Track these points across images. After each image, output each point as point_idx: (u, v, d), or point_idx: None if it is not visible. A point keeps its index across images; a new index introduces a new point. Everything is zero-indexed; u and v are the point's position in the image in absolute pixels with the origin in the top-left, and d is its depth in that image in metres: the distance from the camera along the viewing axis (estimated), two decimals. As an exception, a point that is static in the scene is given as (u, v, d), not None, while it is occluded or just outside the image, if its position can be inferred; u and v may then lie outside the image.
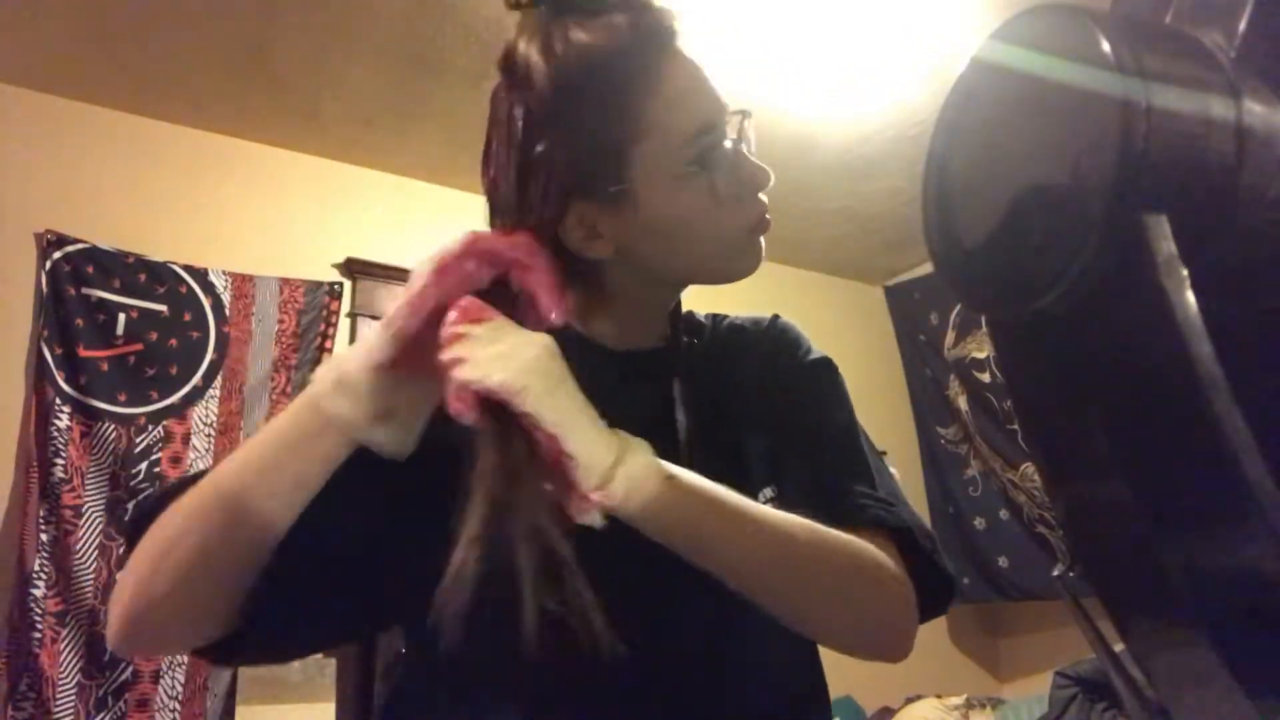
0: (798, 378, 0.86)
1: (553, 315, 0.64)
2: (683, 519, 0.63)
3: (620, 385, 0.78)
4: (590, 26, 0.70)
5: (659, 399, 0.80)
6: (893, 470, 0.86)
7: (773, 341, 0.89)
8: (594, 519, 0.60)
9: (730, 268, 0.77)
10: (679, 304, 0.86)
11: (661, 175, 0.71)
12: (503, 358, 0.59)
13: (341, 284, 2.89)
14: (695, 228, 0.73)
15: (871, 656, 0.75)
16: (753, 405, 0.83)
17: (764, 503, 0.76)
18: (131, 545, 0.66)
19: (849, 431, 0.85)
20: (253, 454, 0.64)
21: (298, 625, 0.70)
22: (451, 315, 0.61)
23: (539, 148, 0.70)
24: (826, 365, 0.88)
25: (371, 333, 0.63)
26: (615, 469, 0.60)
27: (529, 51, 0.71)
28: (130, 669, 2.34)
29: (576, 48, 0.69)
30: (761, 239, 0.77)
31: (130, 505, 2.43)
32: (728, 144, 0.73)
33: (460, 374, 0.59)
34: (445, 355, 0.60)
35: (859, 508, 0.75)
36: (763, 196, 0.76)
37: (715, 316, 0.91)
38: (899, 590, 0.73)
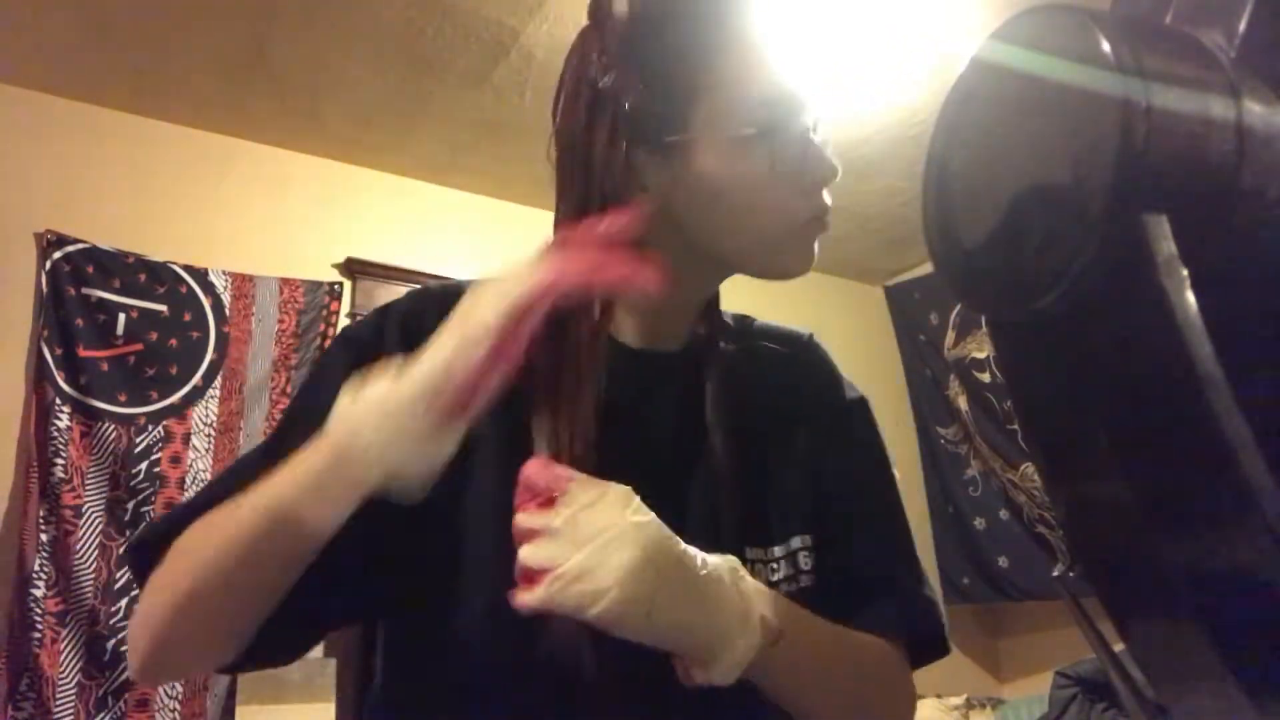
0: (839, 420, 0.82)
1: (652, 288, 0.55)
2: (774, 679, 0.62)
3: (644, 390, 0.75)
4: None
5: (684, 406, 0.75)
6: (893, 471, 0.84)
7: (811, 369, 0.84)
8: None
9: (775, 260, 0.71)
10: (716, 301, 0.81)
11: (721, 134, 0.67)
12: (591, 573, 0.52)
13: (341, 284, 2.89)
14: (745, 200, 0.68)
15: None
16: (784, 431, 0.79)
17: (794, 550, 0.75)
18: (141, 576, 0.64)
19: (888, 488, 0.83)
20: (298, 474, 0.58)
21: (304, 629, 0.68)
22: (521, 496, 0.55)
23: (607, 80, 0.67)
24: (865, 407, 0.85)
25: (413, 385, 0.54)
26: (728, 659, 0.58)
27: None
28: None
29: None
30: (815, 242, 0.72)
31: (129, 528, 2.43)
32: (801, 128, 0.69)
33: (547, 596, 0.52)
34: (523, 554, 0.54)
35: (893, 614, 0.75)
36: (826, 196, 0.71)
37: (741, 319, 0.86)
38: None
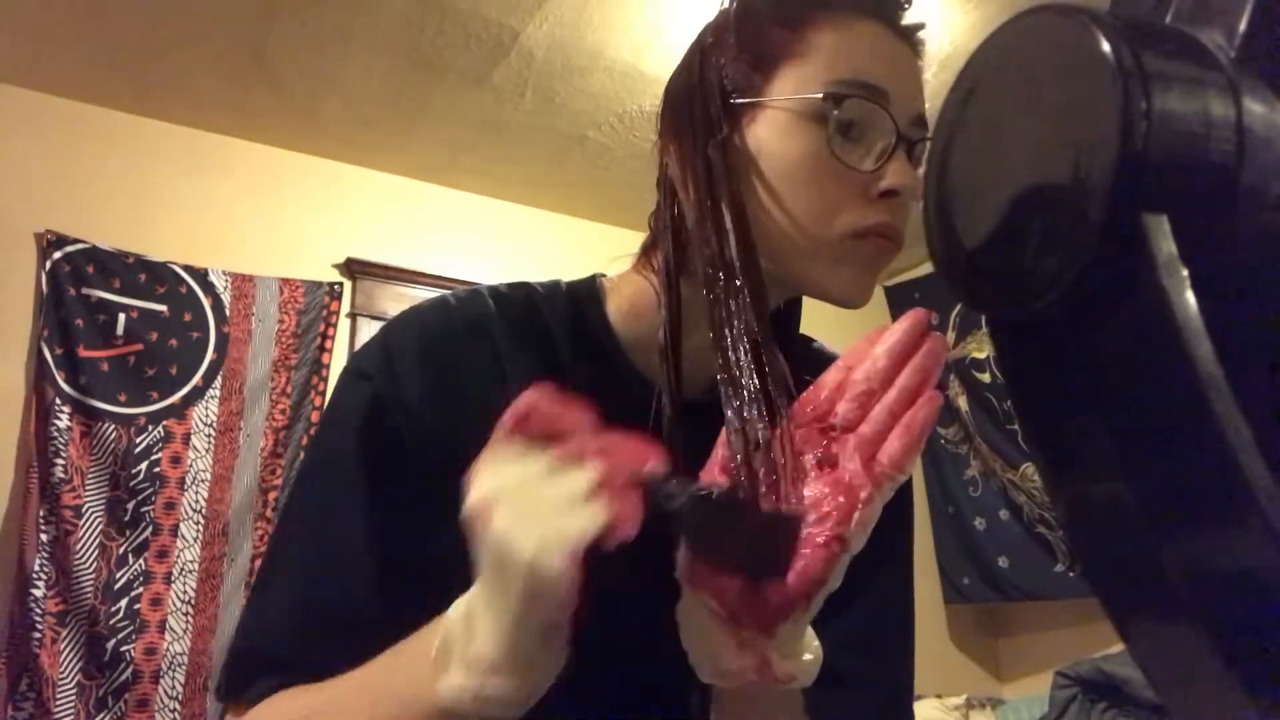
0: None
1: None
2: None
3: (685, 443, 0.63)
4: None
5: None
6: (911, 558, 0.77)
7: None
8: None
9: (818, 274, 0.62)
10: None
11: (794, 103, 0.61)
12: None
13: (341, 284, 2.89)
14: (791, 179, 0.61)
15: None
16: None
17: None
18: (228, 698, 0.62)
19: (903, 577, 0.74)
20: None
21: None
22: None
23: (712, 40, 0.65)
24: (909, 483, 0.77)
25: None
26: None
27: None
28: (130, 669, 2.34)
29: None
30: (874, 267, 0.63)
31: (129, 528, 2.43)
32: (885, 125, 0.61)
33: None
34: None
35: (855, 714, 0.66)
36: (897, 215, 0.62)
37: (804, 342, 0.77)
38: None
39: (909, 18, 0.68)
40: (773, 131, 0.62)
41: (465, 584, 0.53)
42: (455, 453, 0.52)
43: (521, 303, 0.69)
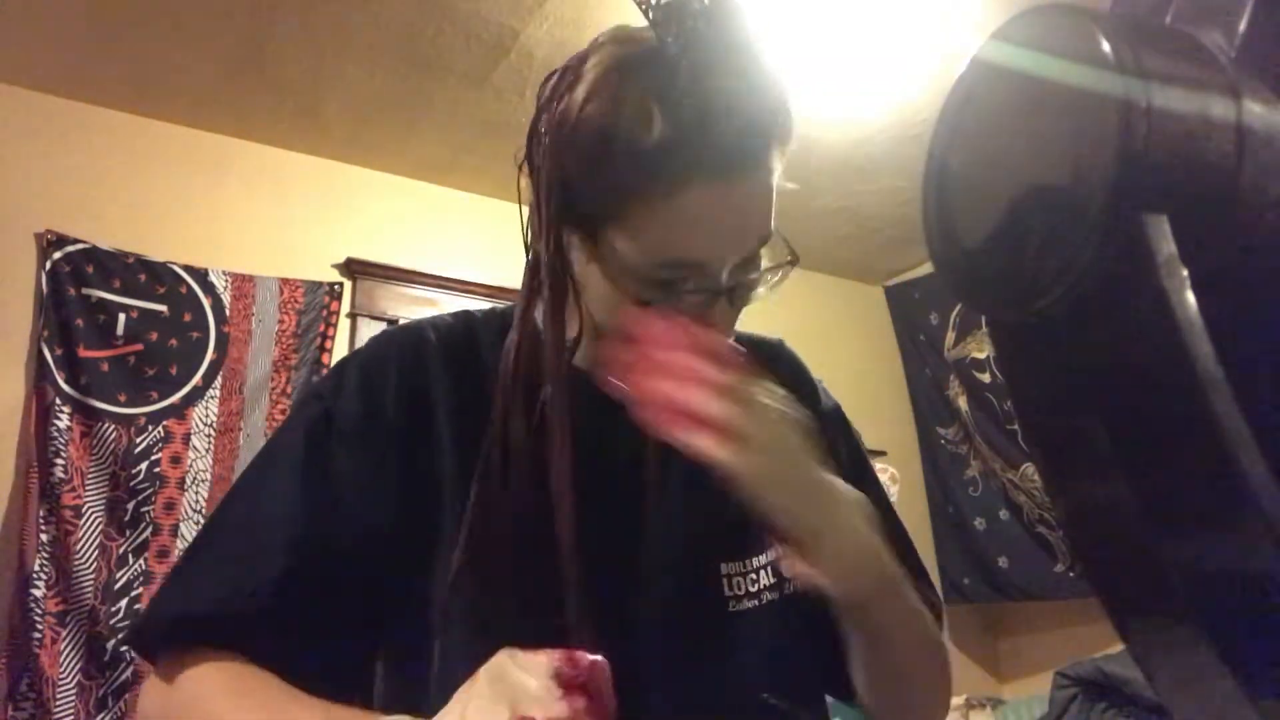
0: (819, 428, 0.82)
1: None
2: (874, 625, 0.68)
3: (605, 412, 0.71)
4: (664, 101, 0.62)
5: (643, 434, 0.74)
6: (892, 470, 0.85)
7: (783, 376, 0.81)
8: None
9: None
10: None
11: (617, 270, 0.66)
12: (770, 454, 0.59)
13: (341, 284, 2.89)
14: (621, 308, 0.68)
15: None
16: None
17: (765, 564, 0.75)
18: (146, 655, 0.69)
19: (877, 488, 0.84)
20: None
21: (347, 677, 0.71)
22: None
23: (540, 165, 0.68)
24: (841, 416, 0.87)
25: None
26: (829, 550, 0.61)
27: (582, 82, 0.64)
28: (130, 669, 2.34)
29: (602, 114, 0.63)
30: None
31: (129, 528, 2.42)
32: (697, 295, 0.67)
33: (730, 459, 0.58)
34: (705, 402, 0.58)
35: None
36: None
37: None
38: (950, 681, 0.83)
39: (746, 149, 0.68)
40: (604, 264, 0.66)
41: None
42: (379, 459, 0.71)
43: (459, 329, 0.80)
